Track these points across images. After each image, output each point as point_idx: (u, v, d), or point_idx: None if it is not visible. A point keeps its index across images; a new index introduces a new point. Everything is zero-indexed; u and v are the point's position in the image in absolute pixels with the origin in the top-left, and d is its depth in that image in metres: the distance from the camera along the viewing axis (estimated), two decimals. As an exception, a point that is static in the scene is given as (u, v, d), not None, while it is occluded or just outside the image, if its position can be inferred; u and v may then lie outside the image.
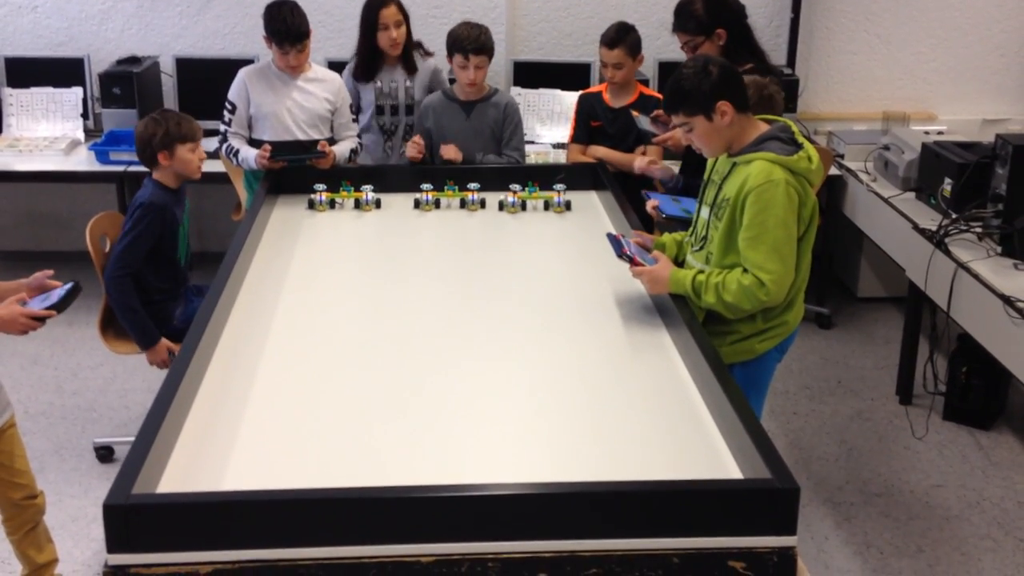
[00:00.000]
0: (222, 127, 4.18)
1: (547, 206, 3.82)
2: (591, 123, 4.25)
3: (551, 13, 5.52)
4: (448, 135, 4.20)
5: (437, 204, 3.85)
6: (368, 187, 3.83)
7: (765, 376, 3.06)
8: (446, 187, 3.89)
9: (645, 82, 5.05)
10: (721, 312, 2.84)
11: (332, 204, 3.82)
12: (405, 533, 1.94)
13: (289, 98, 4.13)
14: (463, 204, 3.86)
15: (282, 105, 4.12)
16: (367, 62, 4.33)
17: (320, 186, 3.82)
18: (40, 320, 2.65)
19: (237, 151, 4.13)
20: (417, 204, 3.84)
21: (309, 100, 4.15)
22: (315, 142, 4.09)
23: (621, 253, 2.93)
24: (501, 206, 3.81)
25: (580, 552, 1.97)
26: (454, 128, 4.21)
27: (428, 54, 4.48)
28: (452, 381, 2.59)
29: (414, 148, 4.15)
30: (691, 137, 2.86)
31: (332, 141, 4.21)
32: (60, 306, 2.68)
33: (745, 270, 2.77)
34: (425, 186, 3.86)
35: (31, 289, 2.76)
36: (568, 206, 3.80)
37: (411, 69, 4.37)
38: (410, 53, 4.37)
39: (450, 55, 4.14)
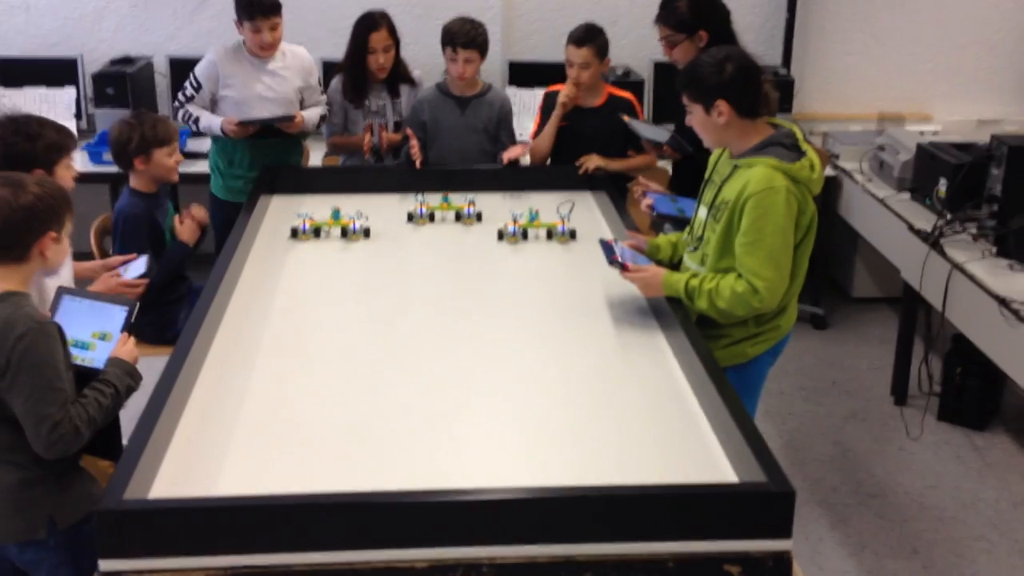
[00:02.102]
0: (180, 98, 4.11)
1: (550, 235, 3.55)
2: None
3: (546, 13, 5.51)
4: (444, 129, 4.19)
5: (431, 217, 3.71)
6: (356, 213, 3.57)
7: (757, 380, 3.06)
8: (441, 199, 3.77)
9: (623, 82, 5.05)
10: (714, 317, 2.83)
11: (317, 233, 3.55)
12: (400, 538, 1.94)
13: (260, 82, 4.09)
14: (458, 217, 3.72)
15: (252, 91, 4.08)
16: (356, 84, 4.24)
17: (304, 213, 3.56)
18: (135, 288, 3.13)
19: (198, 118, 4.08)
20: (411, 217, 3.71)
21: (280, 84, 4.12)
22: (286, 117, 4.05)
23: (612, 260, 2.91)
24: (501, 235, 3.53)
25: (576, 556, 1.96)
26: (449, 123, 4.19)
27: (412, 83, 4.39)
28: (445, 385, 2.58)
29: (415, 151, 4.05)
30: (691, 121, 2.88)
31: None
32: (147, 275, 3.19)
33: (739, 275, 2.77)
34: (419, 198, 3.73)
35: (110, 267, 3.26)
36: (573, 235, 3.53)
37: (394, 94, 4.31)
38: (396, 79, 4.29)
39: (443, 48, 4.13)
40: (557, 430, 2.38)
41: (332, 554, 1.93)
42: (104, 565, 1.89)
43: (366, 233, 3.54)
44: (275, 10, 3.99)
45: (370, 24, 4.15)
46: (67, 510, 2.39)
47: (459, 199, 3.76)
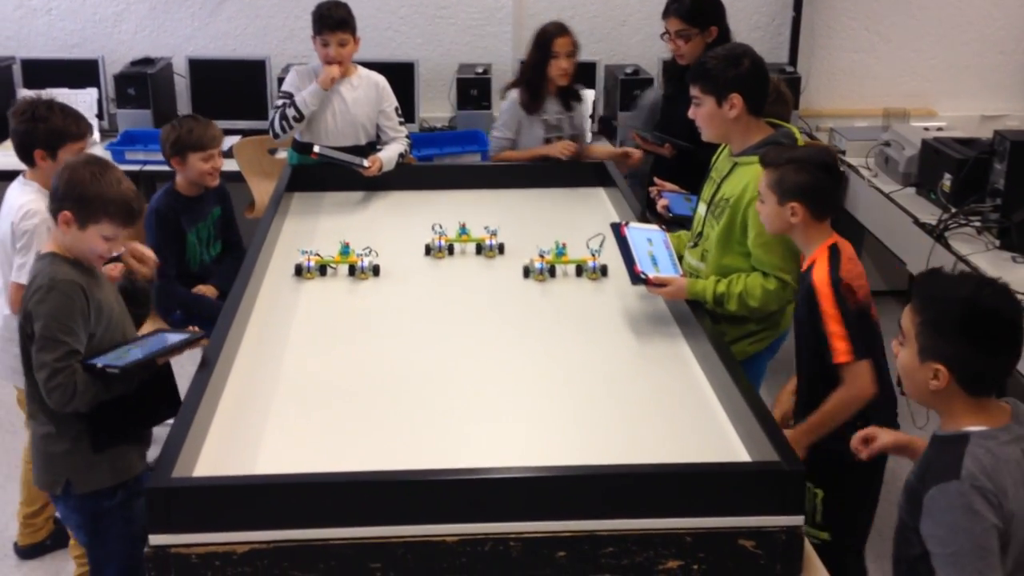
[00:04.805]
0: (275, 113, 4.05)
1: (580, 271, 3.29)
2: None
3: (558, 13, 5.56)
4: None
5: (451, 250, 3.46)
6: (365, 249, 3.29)
7: (757, 376, 3.15)
8: (459, 231, 3.51)
9: (631, 80, 5.14)
10: (744, 315, 2.91)
11: (323, 271, 3.28)
12: (432, 514, 2.04)
13: (331, 103, 4.08)
14: (479, 249, 3.48)
15: (322, 111, 4.07)
16: (535, 92, 4.17)
17: (309, 250, 3.29)
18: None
19: (293, 115, 3.99)
20: (428, 250, 3.44)
21: (352, 107, 4.09)
22: (363, 153, 4.02)
23: (635, 276, 2.90)
24: (527, 272, 3.28)
25: (598, 531, 2.06)
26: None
27: (579, 98, 4.34)
28: (479, 373, 2.68)
29: (567, 148, 4.13)
30: (697, 112, 2.94)
31: (372, 147, 4.16)
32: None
33: (765, 273, 2.84)
34: (437, 229, 3.48)
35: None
36: (604, 271, 3.28)
37: (570, 104, 4.26)
38: (569, 92, 4.26)
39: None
40: (582, 416, 2.48)
41: (369, 529, 2.03)
42: (154, 539, 2.00)
43: (375, 271, 3.26)
44: (343, 26, 3.97)
45: (556, 30, 4.12)
46: (82, 475, 2.54)
47: (479, 229, 3.50)
